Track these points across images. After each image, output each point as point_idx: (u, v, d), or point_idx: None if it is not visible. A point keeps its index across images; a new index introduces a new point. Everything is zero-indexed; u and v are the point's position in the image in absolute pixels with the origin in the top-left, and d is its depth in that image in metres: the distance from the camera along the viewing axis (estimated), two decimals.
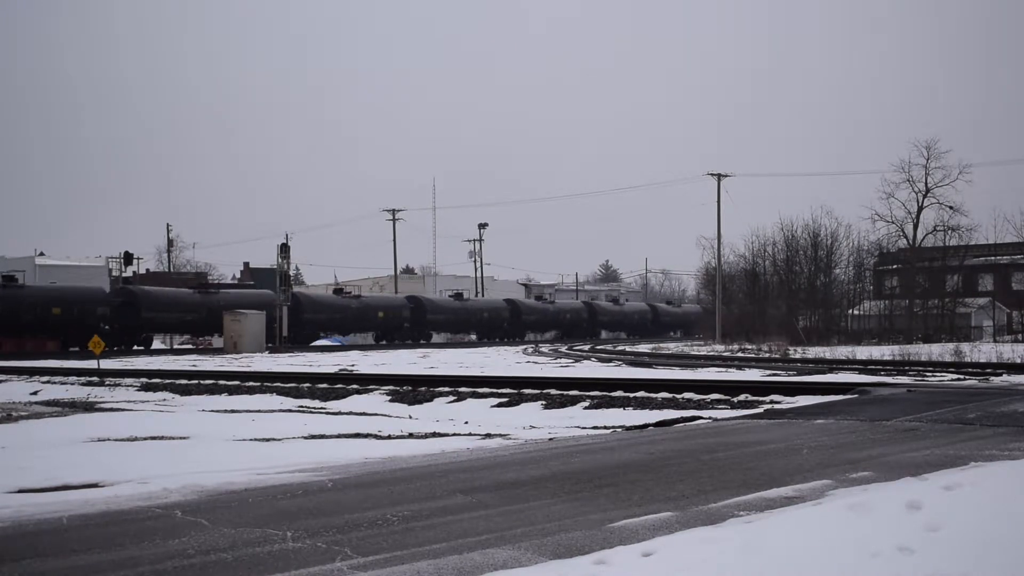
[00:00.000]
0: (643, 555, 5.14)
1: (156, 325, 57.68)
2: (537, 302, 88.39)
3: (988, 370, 24.53)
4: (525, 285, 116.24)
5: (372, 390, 20.60)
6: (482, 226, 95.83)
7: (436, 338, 78.07)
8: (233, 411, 17.56)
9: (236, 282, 76.00)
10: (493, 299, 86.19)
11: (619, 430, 12.84)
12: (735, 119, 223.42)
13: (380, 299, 75.46)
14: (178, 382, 24.64)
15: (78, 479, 8.50)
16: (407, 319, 72.62)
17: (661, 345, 61.67)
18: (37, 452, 10.86)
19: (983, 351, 36.43)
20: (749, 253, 70.87)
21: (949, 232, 63.45)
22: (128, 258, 70.75)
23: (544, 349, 54.50)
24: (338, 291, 74.49)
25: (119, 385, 25.11)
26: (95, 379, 26.62)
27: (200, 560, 5.39)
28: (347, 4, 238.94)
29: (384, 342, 72.32)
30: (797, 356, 38.27)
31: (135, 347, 55.63)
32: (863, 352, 39.30)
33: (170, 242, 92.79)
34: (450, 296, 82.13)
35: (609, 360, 37.25)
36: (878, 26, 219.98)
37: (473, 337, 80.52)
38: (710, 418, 13.59)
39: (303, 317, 65.51)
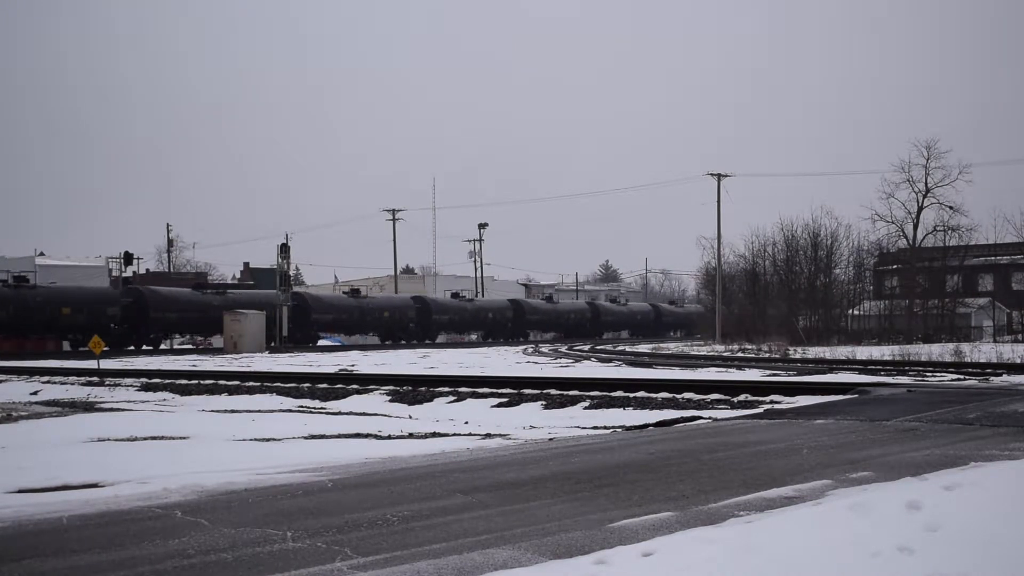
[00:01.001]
0: (643, 555, 5.14)
1: None
2: (541, 302, 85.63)
3: (988, 370, 24.52)
4: (525, 285, 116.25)
5: (372, 390, 20.60)
6: (482, 226, 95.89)
7: (441, 338, 76.18)
8: (233, 411, 17.56)
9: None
10: (497, 299, 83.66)
11: (619, 430, 12.84)
12: (735, 119, 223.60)
13: (384, 299, 73.39)
14: (178, 382, 24.64)
15: (78, 479, 8.50)
16: (412, 319, 70.36)
17: (661, 345, 61.67)
18: (37, 452, 10.87)
19: (983, 351, 36.41)
20: (749, 253, 70.91)
21: (949, 232, 63.52)
22: (128, 258, 70.73)
23: (544, 349, 54.46)
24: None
25: (119, 385, 25.11)
26: (95, 379, 26.62)
27: (200, 560, 5.39)
28: (347, 3, 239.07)
29: (389, 342, 70.80)
30: (797, 356, 38.25)
31: None
32: (863, 352, 39.29)
33: (170, 242, 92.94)
34: (452, 296, 79.54)
35: (609, 360, 37.24)
36: (878, 26, 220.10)
37: (474, 337, 79.29)
38: (710, 418, 13.58)
39: (311, 318, 64.17)
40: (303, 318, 64.11)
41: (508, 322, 79.39)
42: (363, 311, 68.39)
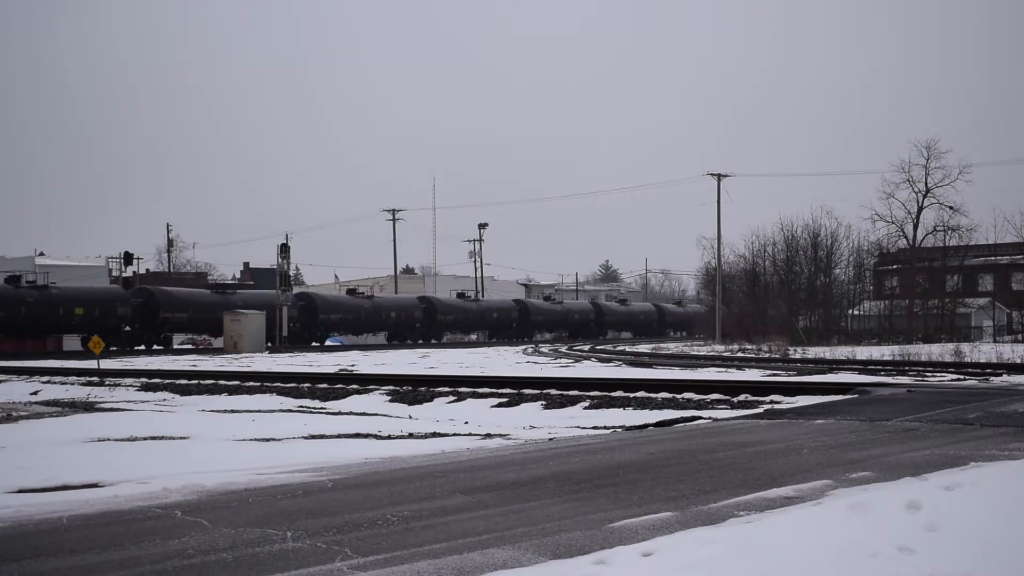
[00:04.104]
0: (643, 555, 5.14)
1: None
2: (545, 302, 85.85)
3: (988, 370, 24.52)
4: (525, 285, 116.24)
5: (372, 390, 20.59)
6: (482, 226, 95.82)
7: (446, 338, 76.37)
8: (233, 411, 17.55)
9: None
10: (502, 299, 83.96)
11: (619, 430, 12.84)
12: (735, 119, 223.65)
13: (391, 299, 74.26)
14: (178, 382, 24.64)
15: (78, 479, 8.50)
16: (419, 319, 71.38)
17: (661, 345, 61.63)
18: (37, 452, 10.86)
19: (983, 351, 36.42)
20: (749, 253, 70.88)
21: (949, 232, 63.58)
22: (128, 258, 70.70)
23: (544, 349, 54.45)
24: (354, 292, 73.97)
25: (119, 385, 25.10)
26: (95, 379, 26.61)
27: (200, 560, 5.39)
28: (348, 3, 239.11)
29: (395, 342, 71.58)
30: (797, 356, 38.25)
31: None
32: (863, 352, 39.29)
33: (170, 242, 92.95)
34: (456, 296, 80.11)
35: (609, 360, 37.23)
36: (878, 26, 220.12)
37: (475, 337, 79.44)
38: (710, 418, 13.58)
39: (319, 317, 64.73)
40: (310, 318, 64.51)
41: (512, 322, 79.79)
42: (370, 311, 68.88)
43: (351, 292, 73.74)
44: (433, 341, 72.87)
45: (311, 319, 64.74)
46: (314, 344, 64.19)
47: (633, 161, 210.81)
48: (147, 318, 56.38)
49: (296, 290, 73.91)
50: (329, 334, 68.57)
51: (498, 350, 54.51)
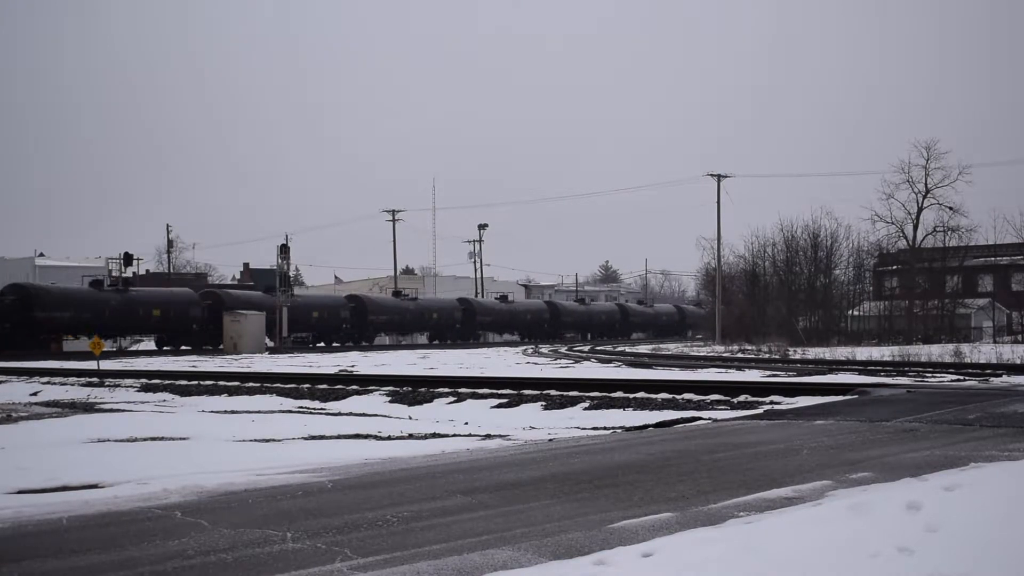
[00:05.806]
0: (643, 555, 5.14)
1: None
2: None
3: (988, 371, 24.53)
4: (525, 286, 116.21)
5: (372, 391, 20.59)
6: (482, 227, 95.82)
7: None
8: (233, 412, 17.55)
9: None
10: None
11: (619, 431, 12.84)
12: (735, 119, 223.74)
13: (433, 301, 77.64)
14: (178, 383, 24.63)
15: (78, 479, 8.51)
16: (458, 320, 74.70)
17: (661, 346, 61.66)
18: (37, 452, 10.86)
19: (983, 352, 36.43)
20: (749, 254, 70.87)
21: (949, 233, 63.70)
22: (128, 258, 70.63)
23: (544, 350, 54.47)
24: (396, 294, 75.98)
25: (119, 386, 25.10)
26: (95, 380, 26.59)
27: (200, 561, 5.39)
28: (347, 4, 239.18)
29: (436, 342, 73.94)
30: (797, 357, 38.25)
31: None
32: (863, 353, 39.30)
33: (170, 243, 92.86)
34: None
35: (609, 361, 37.25)
36: (879, 26, 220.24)
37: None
38: (710, 419, 13.58)
39: (368, 319, 67.41)
40: (361, 319, 67.97)
41: (545, 323, 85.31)
42: (414, 312, 72.93)
43: (396, 294, 76.18)
44: (472, 341, 75.64)
45: (362, 320, 68.05)
46: (364, 344, 66.53)
47: (633, 161, 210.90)
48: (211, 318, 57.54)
49: (344, 292, 77.62)
50: (377, 334, 71.53)
51: (497, 351, 54.53)
